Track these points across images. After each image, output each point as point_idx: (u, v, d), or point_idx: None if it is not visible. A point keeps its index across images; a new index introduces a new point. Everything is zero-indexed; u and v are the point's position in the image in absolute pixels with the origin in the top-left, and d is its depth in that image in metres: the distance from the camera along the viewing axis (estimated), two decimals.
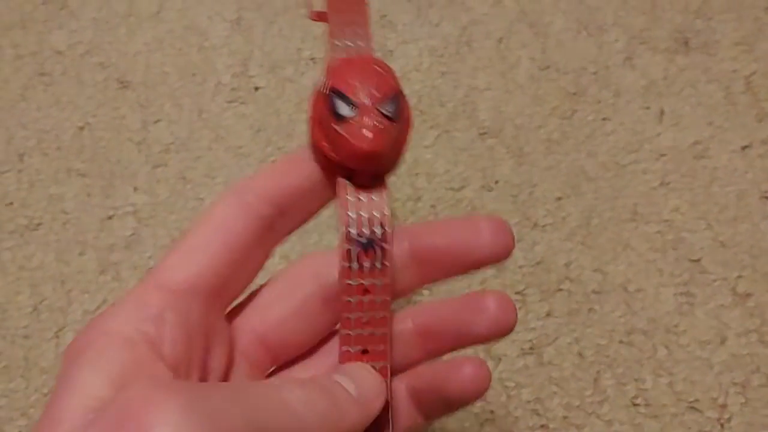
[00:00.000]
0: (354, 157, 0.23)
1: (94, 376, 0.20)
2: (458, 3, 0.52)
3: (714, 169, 0.47)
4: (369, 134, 0.22)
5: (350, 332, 0.24)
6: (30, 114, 0.50)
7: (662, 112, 0.48)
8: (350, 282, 0.24)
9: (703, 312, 0.43)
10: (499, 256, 0.25)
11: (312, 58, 0.50)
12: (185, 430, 0.17)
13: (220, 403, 0.18)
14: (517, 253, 0.45)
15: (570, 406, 0.41)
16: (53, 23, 0.53)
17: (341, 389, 0.22)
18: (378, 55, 0.24)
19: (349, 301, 0.24)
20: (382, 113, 0.23)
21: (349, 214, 0.24)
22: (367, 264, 0.24)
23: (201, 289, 0.23)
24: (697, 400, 0.41)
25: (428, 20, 0.52)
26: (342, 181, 0.24)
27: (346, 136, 0.22)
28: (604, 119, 0.48)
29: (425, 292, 0.42)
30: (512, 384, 0.42)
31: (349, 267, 0.24)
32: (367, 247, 0.24)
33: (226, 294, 0.24)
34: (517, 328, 0.43)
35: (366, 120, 0.22)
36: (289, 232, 0.26)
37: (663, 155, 0.47)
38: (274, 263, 0.44)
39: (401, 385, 0.26)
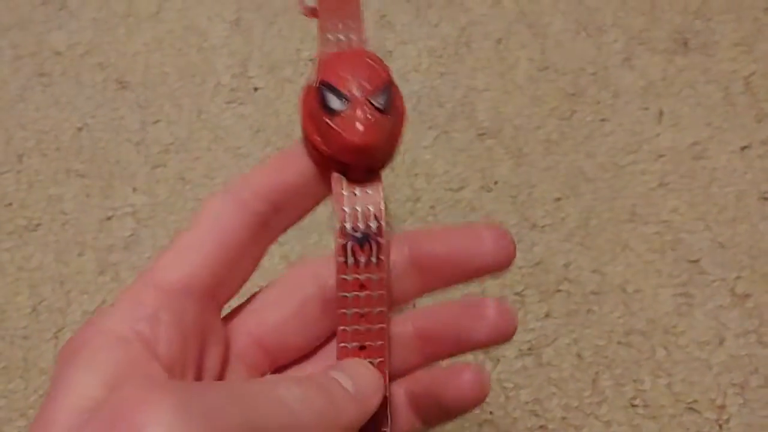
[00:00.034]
0: (346, 151, 0.23)
1: (88, 377, 0.20)
2: (457, 3, 0.52)
3: (713, 169, 0.47)
4: (361, 127, 0.22)
5: (347, 328, 0.24)
6: (29, 114, 0.50)
7: (661, 113, 0.48)
8: (346, 277, 0.23)
9: (702, 313, 0.43)
10: (500, 266, 0.25)
11: (311, 59, 0.50)
12: (178, 429, 0.17)
13: (215, 401, 0.18)
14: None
15: (569, 407, 0.41)
16: (52, 24, 0.53)
17: (338, 386, 0.22)
18: (376, 53, 0.24)
19: (345, 296, 0.23)
20: (374, 105, 0.22)
21: (344, 208, 0.23)
22: (362, 259, 0.23)
23: (196, 288, 0.23)
24: (695, 401, 0.41)
25: (427, 21, 0.52)
26: (336, 176, 0.24)
27: (338, 129, 0.22)
28: (602, 120, 0.48)
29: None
30: (511, 385, 0.42)
31: (345, 262, 0.23)
32: (362, 242, 0.23)
33: (222, 293, 0.24)
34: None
35: (357, 113, 0.22)
36: (285, 229, 0.25)
37: (662, 156, 0.47)
38: (274, 264, 0.44)
39: (400, 390, 0.26)
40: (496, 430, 0.41)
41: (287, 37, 0.51)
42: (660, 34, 0.51)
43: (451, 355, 0.26)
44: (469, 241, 0.24)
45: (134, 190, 0.47)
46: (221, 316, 0.25)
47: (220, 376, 0.24)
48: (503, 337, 0.25)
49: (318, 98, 0.23)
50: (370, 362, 0.24)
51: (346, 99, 0.22)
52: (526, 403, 0.41)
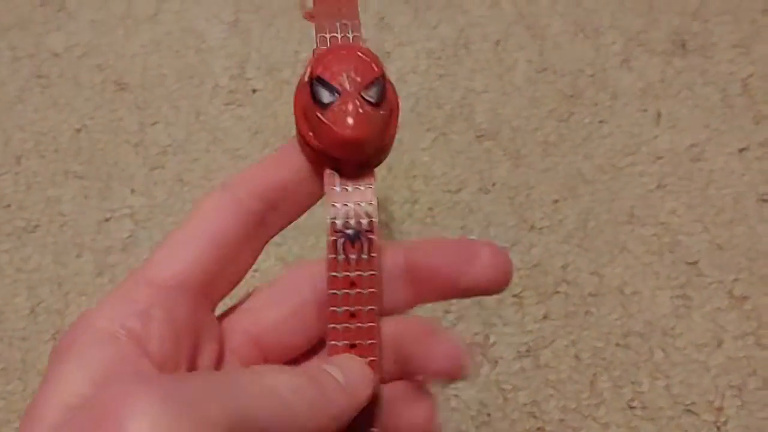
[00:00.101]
0: (337, 145, 0.22)
1: (76, 374, 0.20)
2: (456, 5, 0.52)
3: (711, 171, 0.47)
4: (351, 120, 0.22)
5: (337, 326, 0.24)
6: (27, 116, 0.50)
7: (659, 115, 0.48)
8: (336, 274, 0.23)
9: (700, 315, 0.43)
10: (494, 286, 0.24)
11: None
12: (164, 420, 0.17)
13: (202, 391, 0.18)
14: (514, 255, 0.45)
15: (567, 408, 0.41)
16: (51, 25, 0.53)
17: (328, 376, 0.22)
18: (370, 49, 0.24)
19: (336, 294, 0.23)
20: (365, 99, 0.22)
21: (335, 205, 0.23)
22: (353, 256, 0.23)
23: (189, 285, 0.23)
24: (693, 403, 0.41)
25: (426, 22, 0.52)
26: (328, 172, 0.24)
27: (328, 123, 0.22)
28: (601, 122, 0.48)
29: None
30: (509, 386, 0.42)
31: (335, 259, 0.23)
32: (353, 239, 0.23)
33: (216, 290, 0.24)
34: (514, 330, 0.43)
35: (348, 106, 0.22)
36: (281, 228, 0.25)
37: (660, 158, 0.47)
38: (270, 265, 0.44)
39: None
40: None
41: (285, 39, 0.51)
42: (658, 36, 0.51)
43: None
44: (464, 256, 0.24)
45: (132, 191, 0.47)
46: (216, 314, 0.25)
47: None
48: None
49: (310, 93, 0.23)
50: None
51: (337, 92, 0.22)
52: (525, 404, 0.41)
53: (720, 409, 0.41)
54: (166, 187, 0.47)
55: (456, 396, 0.42)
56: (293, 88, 0.24)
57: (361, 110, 0.22)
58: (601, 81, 0.49)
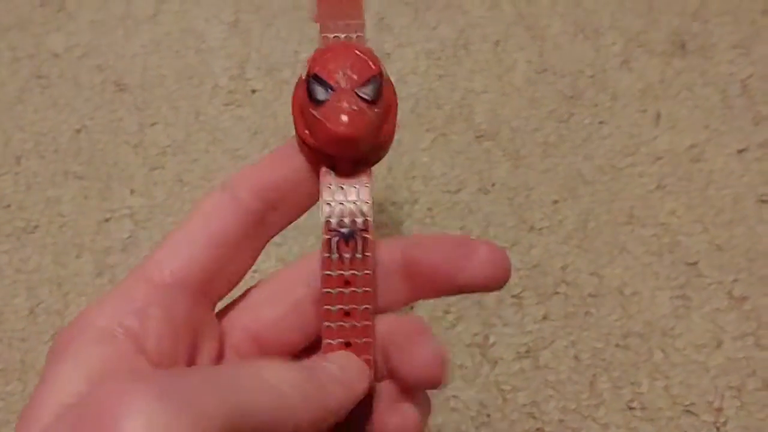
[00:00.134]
0: (331, 142, 0.22)
1: (72, 373, 0.20)
2: (455, 6, 0.52)
3: (710, 172, 0.47)
4: (345, 117, 0.22)
5: (332, 325, 0.24)
6: (27, 116, 0.50)
7: (659, 116, 0.48)
8: (330, 273, 0.23)
9: (699, 315, 0.43)
10: (491, 283, 0.24)
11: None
12: (161, 417, 0.17)
13: (198, 387, 0.18)
14: (513, 256, 0.45)
15: (566, 409, 0.41)
16: (50, 25, 0.53)
17: (326, 370, 0.22)
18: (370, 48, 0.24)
19: (330, 292, 0.23)
20: (360, 96, 0.22)
21: (330, 203, 0.23)
22: (347, 254, 0.23)
23: (188, 283, 0.23)
24: (692, 404, 0.41)
25: (425, 23, 0.52)
26: (324, 170, 0.24)
27: (322, 120, 0.22)
28: (600, 122, 0.48)
29: None
30: (508, 387, 0.42)
31: (330, 257, 0.23)
32: (348, 238, 0.23)
33: (215, 289, 0.24)
34: (514, 331, 0.43)
35: (342, 103, 0.22)
36: (281, 228, 0.25)
37: (659, 158, 0.47)
38: (271, 266, 0.44)
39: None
40: None
41: (285, 39, 0.51)
42: (658, 37, 0.51)
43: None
44: (462, 253, 0.24)
45: (132, 192, 0.47)
46: (216, 310, 0.25)
47: None
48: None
49: (306, 90, 0.23)
50: None
51: (332, 90, 0.22)
52: (524, 405, 0.41)
53: (719, 409, 0.41)
54: (165, 188, 0.47)
55: (455, 396, 0.42)
56: (293, 88, 0.24)
57: (355, 107, 0.22)
58: (601, 82, 0.49)
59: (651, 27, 0.51)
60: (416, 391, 0.25)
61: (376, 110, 0.23)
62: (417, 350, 0.23)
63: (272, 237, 0.25)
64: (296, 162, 0.24)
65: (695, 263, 0.44)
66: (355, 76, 0.23)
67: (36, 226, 0.46)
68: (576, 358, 0.42)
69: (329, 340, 0.24)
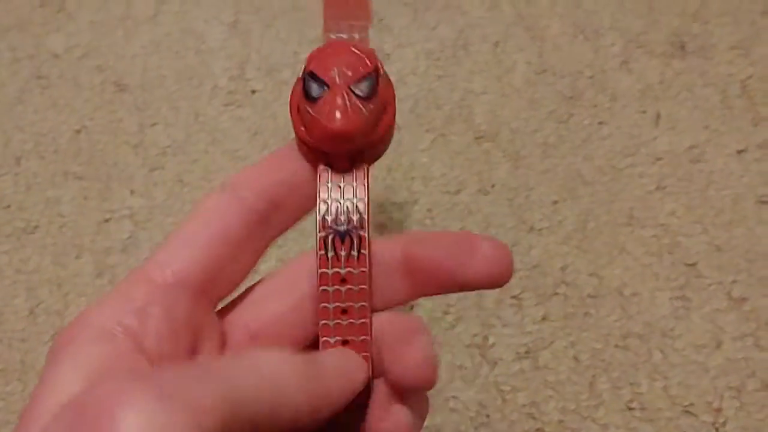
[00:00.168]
0: (325, 138, 0.22)
1: (71, 374, 0.20)
2: (455, 6, 0.52)
3: (710, 173, 0.47)
4: (338, 113, 0.22)
5: (329, 323, 0.24)
6: (27, 117, 0.50)
7: (658, 116, 0.48)
8: (326, 271, 0.23)
9: (699, 316, 0.43)
10: (493, 281, 0.24)
11: None
12: (159, 416, 0.16)
13: (195, 382, 0.18)
14: (513, 256, 0.45)
15: (566, 410, 0.41)
16: (50, 26, 0.53)
17: (323, 359, 0.22)
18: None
19: (326, 290, 0.23)
20: (354, 93, 0.22)
21: (326, 201, 0.23)
22: (343, 252, 0.23)
23: (189, 283, 0.23)
24: (692, 404, 0.41)
25: (425, 24, 0.52)
26: (321, 168, 0.24)
27: (316, 116, 0.22)
28: (600, 123, 0.48)
29: None
30: (508, 388, 0.42)
31: (325, 255, 0.23)
32: (343, 235, 0.23)
33: (216, 289, 0.24)
34: (513, 331, 0.43)
35: (336, 99, 0.22)
36: (284, 229, 0.25)
37: (659, 159, 0.47)
38: (272, 267, 0.44)
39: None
40: None
41: (285, 40, 0.52)
42: (657, 38, 0.51)
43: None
44: (464, 249, 0.24)
45: (132, 192, 0.47)
46: (218, 308, 0.25)
47: None
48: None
49: (302, 88, 0.23)
50: None
51: (327, 86, 0.22)
52: (523, 405, 0.41)
53: (719, 410, 0.41)
54: (165, 188, 0.47)
55: (455, 397, 0.42)
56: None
57: (348, 103, 0.22)
58: (601, 82, 0.49)
59: (651, 28, 0.51)
60: (407, 393, 0.24)
61: (371, 106, 0.23)
62: (407, 351, 0.23)
63: (275, 238, 0.25)
64: (298, 162, 0.24)
65: (695, 264, 0.44)
66: (350, 73, 0.23)
67: (36, 227, 0.46)
68: (575, 358, 0.42)
69: (326, 338, 0.24)
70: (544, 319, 0.43)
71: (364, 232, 0.23)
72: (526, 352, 0.43)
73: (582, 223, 0.45)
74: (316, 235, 0.23)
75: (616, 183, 0.46)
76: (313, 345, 0.25)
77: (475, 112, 0.49)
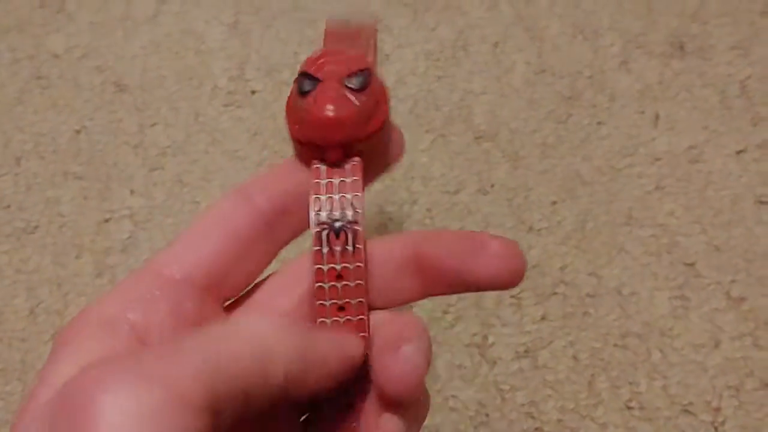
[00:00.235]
0: (315, 129, 0.23)
1: (71, 366, 0.20)
2: (454, 7, 0.52)
3: (709, 173, 0.47)
4: (328, 103, 0.22)
5: (326, 320, 0.23)
6: (27, 117, 0.50)
7: (657, 117, 0.48)
8: (321, 267, 0.23)
9: (698, 316, 0.43)
10: (504, 281, 0.23)
11: None
12: (143, 398, 0.16)
13: (175, 358, 0.18)
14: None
15: (564, 409, 0.41)
16: (50, 26, 0.53)
17: (318, 330, 0.22)
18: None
19: (323, 286, 0.23)
20: (346, 85, 0.23)
21: (320, 196, 0.23)
22: (338, 247, 0.23)
23: (196, 280, 0.23)
24: (691, 404, 0.41)
25: (424, 24, 0.52)
26: (315, 164, 0.24)
27: (307, 107, 0.22)
28: (599, 123, 0.48)
29: None
30: (507, 387, 0.42)
31: (320, 251, 0.23)
32: (338, 230, 0.23)
33: (224, 288, 0.24)
34: (512, 331, 0.43)
35: (327, 91, 0.22)
36: (295, 234, 0.25)
37: (658, 159, 0.47)
38: (271, 268, 0.44)
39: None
40: None
41: (285, 41, 0.52)
42: (657, 38, 0.51)
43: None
44: (473, 248, 0.23)
45: (132, 192, 0.47)
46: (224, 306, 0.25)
47: None
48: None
49: (295, 87, 0.23)
50: None
51: (318, 81, 0.23)
52: (522, 405, 0.42)
53: (717, 409, 0.41)
54: (165, 188, 0.47)
55: (454, 396, 0.42)
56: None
57: (340, 94, 0.22)
58: (600, 83, 0.50)
59: (650, 28, 0.51)
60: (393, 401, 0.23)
61: (362, 98, 0.23)
62: (392, 361, 0.22)
63: (286, 243, 0.25)
64: (306, 172, 0.24)
65: (693, 264, 0.44)
66: (341, 69, 0.23)
67: (36, 227, 0.47)
68: (574, 358, 0.42)
69: None
70: (543, 318, 0.43)
71: (360, 226, 0.23)
72: (525, 352, 0.43)
73: (581, 223, 0.46)
74: (312, 230, 0.23)
75: (614, 183, 0.47)
76: None
77: (475, 113, 0.49)
